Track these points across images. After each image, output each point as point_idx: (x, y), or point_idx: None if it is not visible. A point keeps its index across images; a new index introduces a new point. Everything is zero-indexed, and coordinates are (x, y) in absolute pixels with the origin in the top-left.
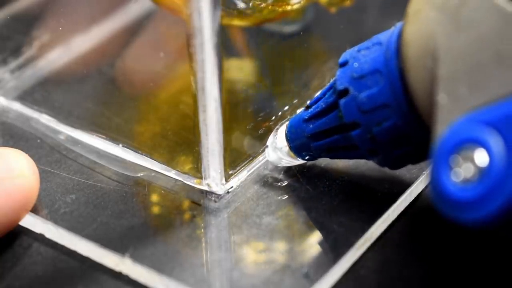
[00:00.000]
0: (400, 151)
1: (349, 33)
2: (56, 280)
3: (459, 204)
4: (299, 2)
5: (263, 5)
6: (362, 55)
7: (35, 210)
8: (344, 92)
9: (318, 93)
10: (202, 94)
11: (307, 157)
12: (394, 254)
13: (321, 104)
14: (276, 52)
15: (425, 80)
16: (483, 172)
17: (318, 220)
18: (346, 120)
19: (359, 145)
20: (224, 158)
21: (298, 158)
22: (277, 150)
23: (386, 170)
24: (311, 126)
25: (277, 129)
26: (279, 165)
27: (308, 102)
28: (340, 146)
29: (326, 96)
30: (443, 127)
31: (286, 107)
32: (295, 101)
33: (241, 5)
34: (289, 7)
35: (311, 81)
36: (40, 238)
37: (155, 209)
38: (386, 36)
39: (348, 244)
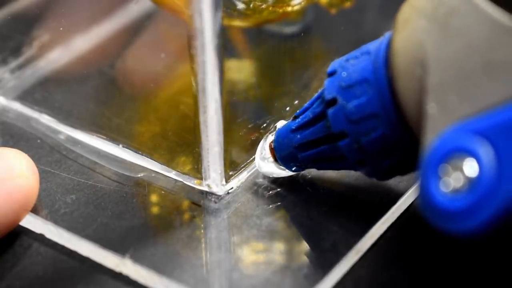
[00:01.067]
0: (389, 162)
1: (349, 34)
2: (56, 280)
3: (448, 214)
4: (299, 3)
5: (263, 6)
6: (350, 64)
7: (35, 210)
8: (332, 102)
9: (305, 103)
10: (203, 95)
11: (294, 168)
12: (394, 255)
13: (309, 114)
14: (276, 53)
15: (414, 89)
16: (472, 182)
17: (318, 221)
18: (334, 130)
19: (347, 155)
20: (224, 159)
21: (286, 169)
22: (265, 160)
23: None
24: (298, 136)
25: (266, 139)
26: (270, 176)
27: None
28: (328, 156)
29: (314, 106)
30: (432, 137)
31: (287, 108)
32: (296, 102)
33: (242, 6)
34: (289, 8)
35: (312, 82)
36: (40, 238)
37: (155, 210)
38: (374, 45)
39: (348, 246)
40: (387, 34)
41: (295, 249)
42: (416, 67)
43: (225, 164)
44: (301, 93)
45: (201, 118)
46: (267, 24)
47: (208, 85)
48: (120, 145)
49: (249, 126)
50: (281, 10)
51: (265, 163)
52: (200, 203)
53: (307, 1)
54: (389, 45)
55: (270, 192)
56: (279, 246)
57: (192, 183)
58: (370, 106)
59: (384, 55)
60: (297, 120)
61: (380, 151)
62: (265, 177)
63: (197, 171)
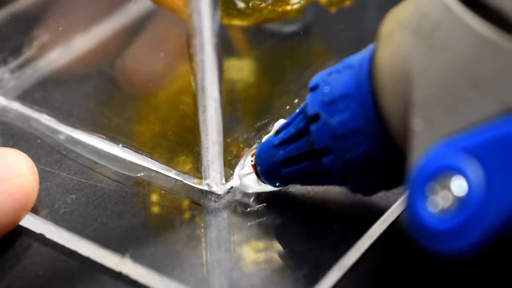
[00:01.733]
0: (374, 177)
1: (349, 33)
2: (56, 280)
3: (436, 235)
4: (299, 2)
5: (263, 5)
6: (333, 78)
7: (35, 210)
8: (315, 117)
9: (287, 119)
10: (202, 94)
11: (277, 184)
12: (395, 253)
13: (291, 129)
14: (276, 52)
15: (399, 104)
16: (461, 201)
17: (318, 220)
18: (318, 146)
19: (331, 171)
20: (224, 158)
21: (267, 185)
22: (245, 177)
23: None
24: (281, 152)
25: (248, 154)
26: (249, 192)
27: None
28: (311, 172)
29: (297, 121)
30: (419, 154)
31: (287, 107)
32: (296, 101)
33: (241, 5)
34: (289, 7)
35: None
36: (40, 238)
37: (155, 209)
38: (357, 59)
39: (348, 244)
40: (369, 47)
41: (295, 248)
42: (400, 82)
43: (225, 163)
44: (300, 92)
45: (201, 117)
46: (267, 23)
47: (208, 84)
48: (120, 145)
49: (249, 125)
50: (280, 9)
51: (244, 178)
52: (200, 203)
53: (307, 0)
54: (372, 59)
55: (270, 191)
56: (279, 245)
57: (192, 182)
58: (354, 121)
59: (367, 69)
60: (279, 135)
61: (365, 167)
62: None
63: (197, 170)
